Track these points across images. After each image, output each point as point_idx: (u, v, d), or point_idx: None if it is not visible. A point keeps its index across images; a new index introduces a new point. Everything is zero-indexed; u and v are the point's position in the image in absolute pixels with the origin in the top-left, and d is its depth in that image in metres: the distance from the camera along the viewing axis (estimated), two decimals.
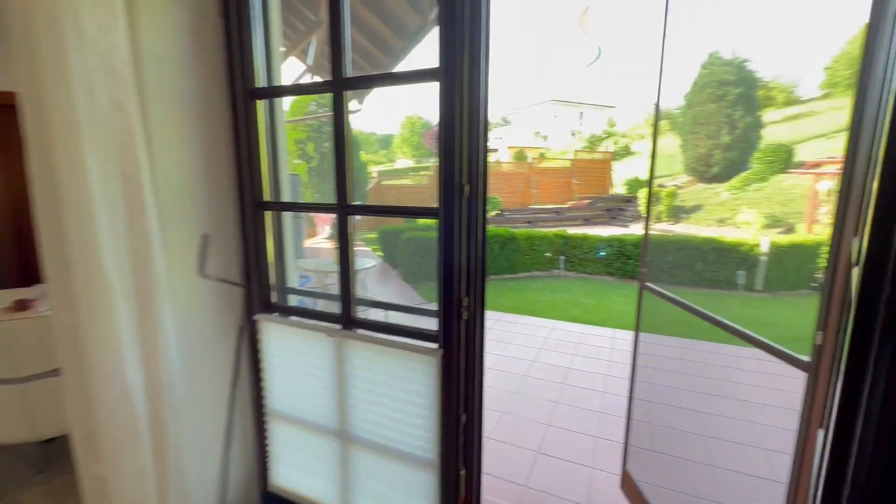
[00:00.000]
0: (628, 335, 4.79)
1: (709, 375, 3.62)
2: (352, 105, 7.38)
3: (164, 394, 1.45)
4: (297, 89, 2.90)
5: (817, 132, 26.43)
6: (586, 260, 8.28)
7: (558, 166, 18.65)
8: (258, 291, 1.83)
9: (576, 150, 19.48)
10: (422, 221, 10.46)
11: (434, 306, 1.47)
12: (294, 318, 1.80)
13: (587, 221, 17.23)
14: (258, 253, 1.78)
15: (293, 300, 2.07)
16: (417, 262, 7.46)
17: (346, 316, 1.64)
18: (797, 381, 1.29)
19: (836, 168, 6.95)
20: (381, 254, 9.17)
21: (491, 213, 16.77)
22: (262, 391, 1.86)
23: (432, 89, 1.27)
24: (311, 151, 11.53)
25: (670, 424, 2.55)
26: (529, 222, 16.44)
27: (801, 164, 14.06)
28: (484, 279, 1.45)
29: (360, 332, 1.62)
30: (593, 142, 32.65)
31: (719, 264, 7.19)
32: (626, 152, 28.51)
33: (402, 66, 7.18)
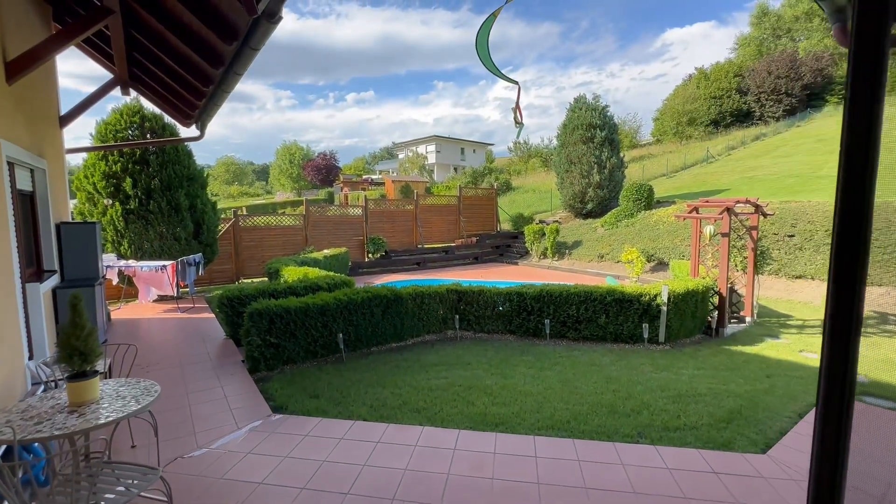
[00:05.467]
0: (551, 446, 3.55)
1: None
2: (190, 131, 5.11)
3: None
4: None
5: (659, 171, 30.51)
6: (483, 317, 7.16)
7: (445, 203, 17.97)
8: None
9: (461, 186, 19.09)
10: (290, 274, 8.43)
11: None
12: None
13: (476, 260, 16.66)
14: None
15: None
16: (272, 341, 5.50)
17: None
18: None
19: (717, 212, 6.96)
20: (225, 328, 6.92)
21: (376, 255, 15.17)
22: None
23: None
24: (128, 189, 8.72)
25: None
26: (418, 264, 15.23)
27: (668, 202, 15.36)
28: None
29: None
30: (475, 177, 33.50)
31: (622, 316, 6.61)
32: (507, 187, 29.61)
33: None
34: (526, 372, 5.52)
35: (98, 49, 7.35)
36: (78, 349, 2.48)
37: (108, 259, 8.38)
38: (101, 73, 7.53)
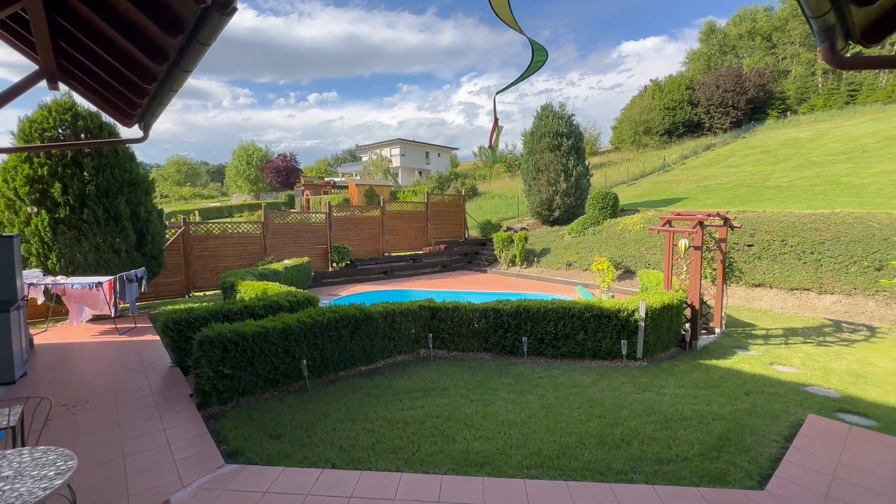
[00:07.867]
0: (544, 491, 3.24)
1: None
2: (132, 131, 4.32)
3: None
4: None
5: (620, 179, 31.35)
6: (458, 335, 6.81)
7: (412, 209, 17.53)
8: None
9: (428, 192, 18.71)
10: (247, 290, 7.76)
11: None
12: None
13: (445, 268, 16.33)
14: None
15: None
16: (226, 372, 4.90)
17: None
18: None
19: (690, 225, 6.96)
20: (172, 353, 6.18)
21: (341, 265, 14.51)
22: None
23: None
24: (57, 195, 7.73)
25: None
26: (385, 273, 14.70)
27: (632, 210, 15.61)
28: None
29: None
30: (441, 182, 33.24)
31: (601, 332, 6.45)
32: (473, 192, 29.52)
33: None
34: (506, 397, 5.21)
35: (19, 37, 6.42)
36: None
37: (32, 275, 7.37)
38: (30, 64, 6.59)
